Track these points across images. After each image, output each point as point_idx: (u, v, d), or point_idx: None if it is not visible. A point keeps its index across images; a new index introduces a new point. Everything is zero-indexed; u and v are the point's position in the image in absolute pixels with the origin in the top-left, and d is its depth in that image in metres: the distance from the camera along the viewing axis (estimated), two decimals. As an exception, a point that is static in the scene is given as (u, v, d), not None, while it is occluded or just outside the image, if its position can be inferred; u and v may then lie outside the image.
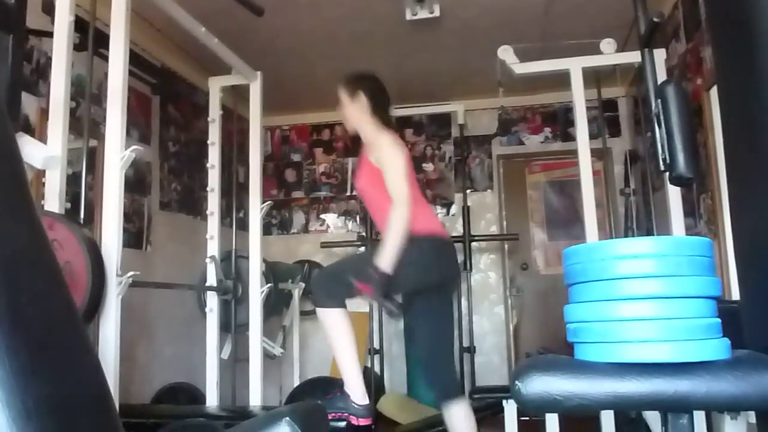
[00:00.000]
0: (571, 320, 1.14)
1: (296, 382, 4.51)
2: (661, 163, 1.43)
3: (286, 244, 5.46)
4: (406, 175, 2.48)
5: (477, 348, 4.68)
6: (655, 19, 1.51)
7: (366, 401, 2.55)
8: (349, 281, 2.41)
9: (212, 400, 3.39)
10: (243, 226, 3.87)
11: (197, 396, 3.55)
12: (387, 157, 2.51)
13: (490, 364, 4.97)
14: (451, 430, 2.60)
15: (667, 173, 1.42)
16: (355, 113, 2.67)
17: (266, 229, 5.40)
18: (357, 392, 2.53)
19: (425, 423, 4.18)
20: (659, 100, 1.45)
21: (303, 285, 4.88)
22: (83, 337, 1.22)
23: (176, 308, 4.07)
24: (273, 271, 4.40)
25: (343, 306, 2.51)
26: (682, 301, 1.02)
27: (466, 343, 4.64)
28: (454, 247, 2.73)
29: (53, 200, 2.29)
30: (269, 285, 3.51)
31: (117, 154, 2.33)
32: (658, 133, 1.43)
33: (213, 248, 3.53)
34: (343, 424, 2.57)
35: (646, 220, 4.59)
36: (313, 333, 5.16)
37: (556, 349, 3.89)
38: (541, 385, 0.97)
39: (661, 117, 1.42)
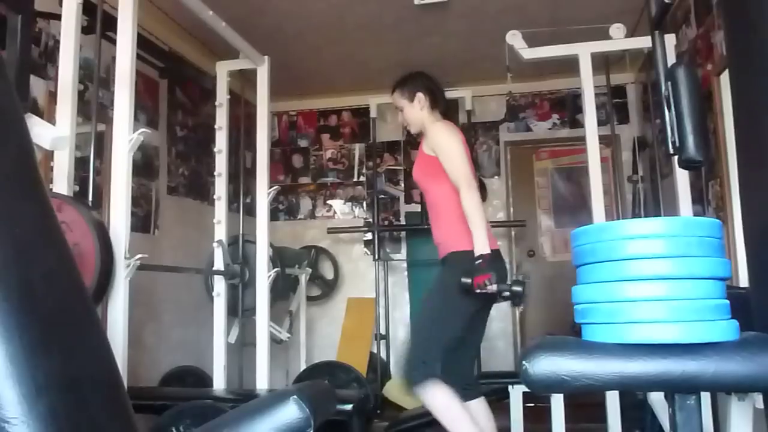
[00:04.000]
0: (579, 301, 1.14)
1: (303, 367, 4.54)
2: (670, 146, 1.42)
3: (293, 229, 5.48)
4: (465, 160, 2.45)
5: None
6: (667, 1, 1.50)
7: None
8: (463, 287, 2.28)
9: (219, 384, 3.41)
10: (250, 211, 3.88)
11: (204, 379, 3.57)
12: (442, 142, 2.48)
13: (496, 350, 4.98)
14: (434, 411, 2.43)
15: (677, 157, 1.41)
16: (417, 113, 2.65)
17: (273, 215, 5.41)
18: None
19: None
20: (669, 83, 1.44)
21: (310, 270, 4.90)
22: (93, 316, 1.23)
23: (184, 292, 4.09)
24: (280, 256, 4.41)
25: (450, 384, 2.36)
26: (690, 282, 1.01)
27: (472, 329, 4.65)
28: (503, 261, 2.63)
29: (62, 182, 2.30)
30: (276, 270, 3.52)
31: (124, 137, 2.33)
32: (668, 116, 1.42)
33: (220, 233, 3.54)
34: (348, 405, 2.60)
35: (654, 207, 4.58)
36: (320, 318, 5.19)
37: (562, 335, 3.89)
38: (548, 365, 0.97)
39: (671, 100, 1.41)
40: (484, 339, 4.66)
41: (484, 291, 2.26)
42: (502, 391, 3.44)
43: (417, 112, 2.64)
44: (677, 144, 1.36)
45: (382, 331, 4.95)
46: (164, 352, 3.91)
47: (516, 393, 3.34)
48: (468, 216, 2.36)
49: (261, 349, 3.40)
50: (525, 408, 3.36)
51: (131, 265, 2.26)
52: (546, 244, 5.16)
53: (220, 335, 3.48)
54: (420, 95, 2.63)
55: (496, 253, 2.46)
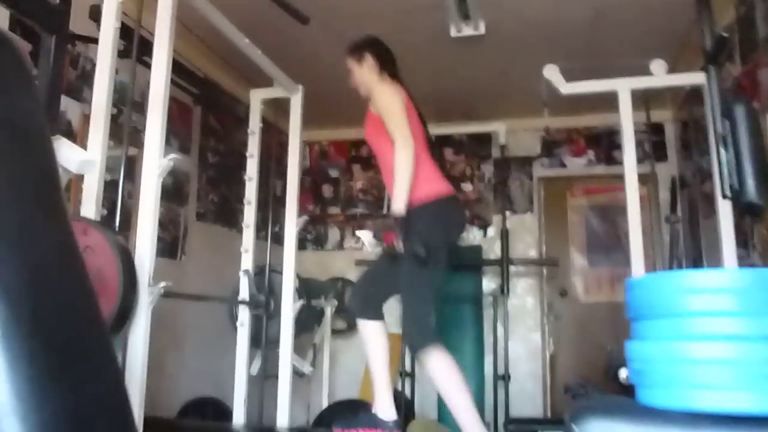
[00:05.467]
0: (635, 359, 1.04)
1: (325, 402, 4.43)
2: (725, 189, 1.32)
3: (320, 260, 5.41)
4: (403, 115, 2.49)
5: (511, 375, 4.51)
6: (724, 35, 1.42)
7: (394, 415, 2.53)
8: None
9: (239, 417, 3.32)
10: (278, 240, 3.82)
11: (224, 411, 3.48)
12: (382, 101, 2.56)
13: (524, 393, 4.81)
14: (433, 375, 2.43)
15: (733, 201, 1.31)
16: (364, 74, 2.75)
17: (301, 244, 5.34)
18: (385, 406, 2.52)
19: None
20: (726, 121, 1.35)
21: (336, 302, 4.82)
22: (107, 347, 1.17)
23: (207, 320, 4.03)
24: (306, 288, 4.34)
25: (382, 319, 2.58)
26: (766, 344, 0.90)
27: (501, 371, 4.49)
28: (460, 204, 2.78)
29: (89, 206, 2.27)
30: (301, 301, 3.45)
31: (155, 162, 2.30)
32: (724, 156, 1.33)
33: (247, 262, 3.48)
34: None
35: (692, 250, 4.42)
36: (345, 351, 5.09)
37: (596, 381, 3.74)
38: (600, 430, 0.87)
39: (729, 139, 1.31)
40: (513, 381, 4.54)
41: (392, 248, 2.35)
42: (531, 437, 3.30)
43: (365, 73, 2.76)
44: (735, 187, 1.26)
45: (408, 368, 4.81)
46: (185, 380, 3.84)
47: (546, 440, 3.19)
48: (395, 170, 2.40)
49: (283, 383, 3.31)
50: (555, 456, 3.22)
51: (155, 293, 2.21)
52: (578, 284, 5.01)
53: (242, 366, 3.40)
54: (368, 57, 2.75)
55: (440, 203, 2.51)
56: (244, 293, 3.44)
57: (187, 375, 3.88)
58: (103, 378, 1.12)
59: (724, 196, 1.31)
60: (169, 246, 3.79)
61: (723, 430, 0.87)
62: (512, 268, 4.76)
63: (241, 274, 3.47)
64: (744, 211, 1.25)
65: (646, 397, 0.99)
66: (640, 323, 1.05)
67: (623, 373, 3.52)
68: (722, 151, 1.32)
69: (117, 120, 3.02)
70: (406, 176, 2.39)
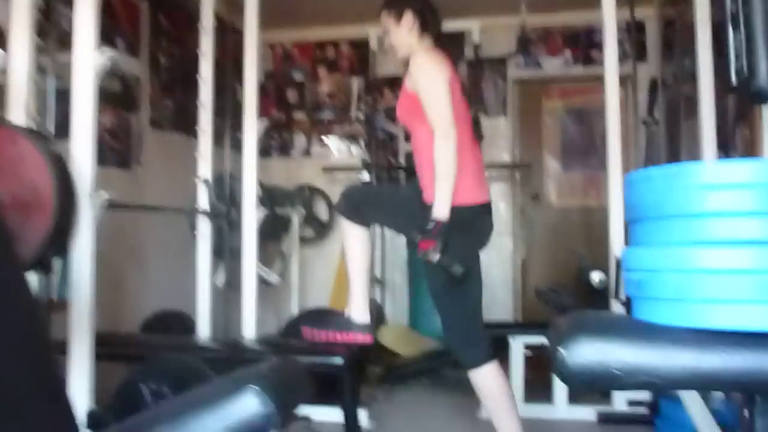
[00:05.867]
0: (634, 268, 0.89)
1: (295, 311, 4.37)
2: (733, 75, 1.15)
3: (286, 167, 5.21)
4: (447, 102, 2.16)
5: (482, 281, 4.48)
6: None
7: (367, 319, 2.43)
8: (409, 234, 2.23)
9: (203, 330, 3.23)
10: (240, 147, 3.61)
11: (188, 324, 3.38)
12: (422, 81, 2.20)
13: (495, 298, 4.79)
14: (481, 394, 2.35)
15: (740, 89, 1.15)
16: (403, 36, 2.34)
17: (265, 152, 5.13)
18: (359, 309, 2.41)
19: (426, 355, 4.06)
20: (738, -3, 1.16)
21: (303, 210, 4.67)
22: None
23: (169, 232, 3.85)
24: (271, 196, 4.17)
25: (368, 227, 2.43)
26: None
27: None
28: (491, 214, 2.48)
29: (16, 111, 2.04)
30: (264, 209, 3.29)
31: (88, 58, 2.05)
32: (733, 38, 1.15)
33: (205, 170, 3.28)
34: (339, 358, 2.41)
35: (670, 153, 4.31)
36: (314, 260, 4.99)
37: (568, 286, 3.71)
38: (594, 353, 0.74)
39: (740, 18, 1.13)
40: (484, 286, 4.51)
41: (425, 259, 2.10)
42: (501, 341, 3.27)
43: (404, 35, 2.34)
44: (745, 72, 1.09)
45: (378, 275, 4.76)
46: (148, 295, 3.71)
47: (517, 344, 3.17)
48: (435, 168, 2.13)
49: (248, 294, 3.21)
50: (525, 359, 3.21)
51: (98, 204, 2.02)
52: (552, 189, 4.92)
53: (204, 278, 3.28)
54: (408, 16, 2.31)
55: (474, 211, 2.28)
56: (203, 203, 3.26)
57: (150, 289, 3.75)
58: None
59: (730, 87, 1.15)
60: (121, 155, 3.55)
61: (740, 352, 0.74)
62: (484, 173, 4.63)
63: (198, 182, 3.28)
64: (756, 99, 1.09)
65: (647, 312, 0.86)
66: (643, 225, 0.89)
67: (595, 277, 3.48)
68: (732, 32, 1.14)
69: (48, 18, 2.70)
70: (450, 178, 2.11)
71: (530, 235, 4.91)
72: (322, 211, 5.02)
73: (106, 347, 2.62)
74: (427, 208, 2.17)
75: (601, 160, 4.79)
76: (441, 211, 2.12)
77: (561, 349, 0.77)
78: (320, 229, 4.99)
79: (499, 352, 3.24)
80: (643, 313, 0.87)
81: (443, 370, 3.97)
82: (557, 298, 3.08)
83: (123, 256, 3.55)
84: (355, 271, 2.44)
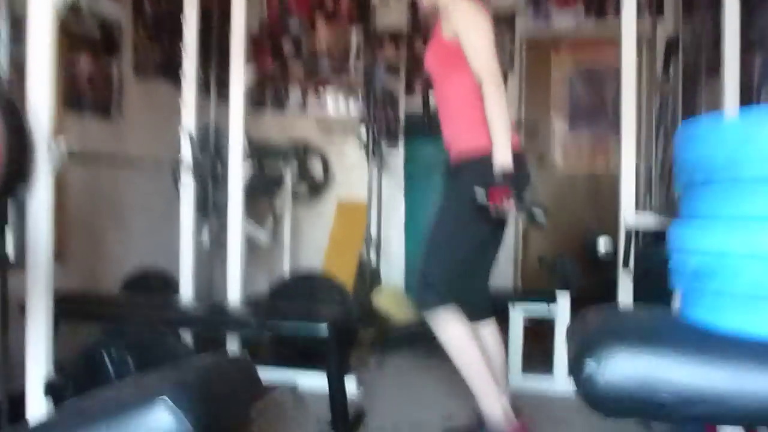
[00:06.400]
0: (690, 248, 0.65)
1: (286, 273, 4.20)
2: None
3: (280, 123, 4.97)
4: (494, 51, 2.09)
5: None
6: None
7: (513, 422, 2.17)
8: (477, 199, 1.98)
9: (186, 290, 3.06)
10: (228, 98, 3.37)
11: (171, 285, 3.21)
12: (470, 26, 2.08)
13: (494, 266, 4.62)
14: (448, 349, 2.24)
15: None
16: None
17: (259, 107, 4.92)
18: (497, 417, 2.15)
19: (421, 320, 3.90)
20: None
21: (297, 166, 4.46)
22: None
23: (152, 187, 3.62)
24: (262, 151, 3.97)
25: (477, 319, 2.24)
26: None
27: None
28: None
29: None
30: (251, 163, 3.09)
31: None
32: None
33: (188, 120, 3.07)
34: (323, 327, 2.24)
35: (684, 117, 4.08)
36: (307, 220, 4.80)
37: (572, 255, 3.51)
38: (635, 370, 0.53)
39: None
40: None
41: (500, 210, 1.98)
42: (500, 312, 3.11)
43: None
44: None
45: (374, 236, 4.58)
46: (129, 253, 3.53)
47: (517, 314, 3.00)
48: (490, 119, 2.02)
49: (233, 254, 3.02)
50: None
51: (57, 153, 1.82)
52: (558, 152, 4.70)
53: (188, 235, 3.09)
54: None
55: (519, 160, 2.11)
56: (185, 155, 3.05)
57: (132, 247, 3.57)
58: None
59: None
60: (100, 104, 3.32)
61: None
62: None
63: (180, 132, 3.07)
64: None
65: (709, 312, 0.62)
66: (706, 192, 0.66)
67: (602, 245, 3.30)
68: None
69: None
70: (507, 126, 2.02)
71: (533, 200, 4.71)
72: (317, 168, 4.81)
73: (78, 307, 2.47)
74: (471, 168, 2.04)
75: (610, 123, 4.59)
76: (506, 158, 2.00)
77: (590, 361, 0.56)
78: (314, 187, 4.79)
79: (498, 322, 3.11)
80: (701, 312, 0.64)
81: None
82: (563, 268, 2.90)
83: (103, 211, 3.36)
84: (477, 378, 2.16)
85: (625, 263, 2.70)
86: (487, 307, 2.39)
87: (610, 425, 2.59)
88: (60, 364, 1.88)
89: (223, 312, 2.55)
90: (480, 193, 1.98)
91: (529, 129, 4.63)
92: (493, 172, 2.00)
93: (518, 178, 2.06)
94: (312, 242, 4.73)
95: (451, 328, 2.14)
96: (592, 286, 3.06)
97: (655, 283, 2.89)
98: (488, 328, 2.34)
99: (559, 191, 4.66)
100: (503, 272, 4.66)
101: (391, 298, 4.28)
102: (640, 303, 2.83)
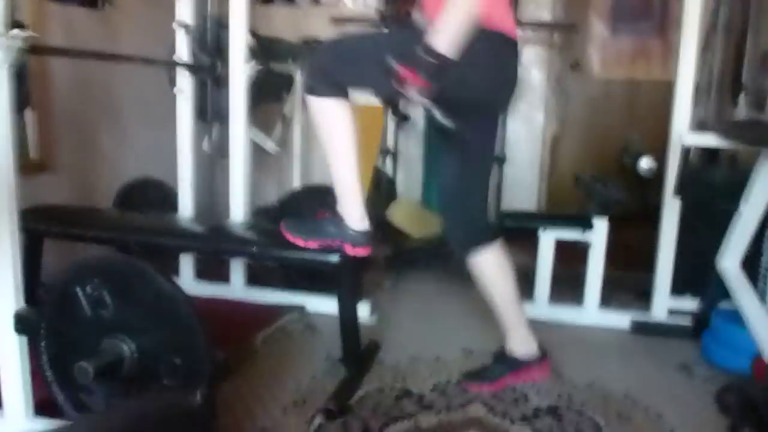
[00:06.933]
0: None
1: (296, 184, 3.92)
2: None
3: (291, 17, 4.53)
4: None
5: (507, 158, 3.95)
6: None
7: (365, 226, 1.94)
8: (384, 61, 1.62)
9: (185, 203, 2.80)
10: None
11: (170, 197, 2.95)
12: None
13: (519, 180, 4.30)
14: (481, 281, 2.01)
15: None
16: None
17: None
18: (354, 214, 1.93)
19: (439, 238, 3.63)
20: None
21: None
22: None
23: (149, 88, 3.29)
24: (269, 49, 3.58)
25: (346, 96, 1.83)
26: None
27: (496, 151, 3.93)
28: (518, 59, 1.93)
29: None
30: (255, 62, 2.73)
31: None
32: None
33: (184, 11, 2.69)
34: (335, 256, 1.97)
35: (740, 20, 3.61)
36: (319, 126, 4.45)
37: (606, 172, 3.17)
38: None
39: None
40: (508, 165, 4.01)
41: (400, 91, 1.62)
42: (527, 234, 2.84)
43: None
44: None
45: (391, 145, 4.25)
46: (125, 161, 3.25)
47: (547, 238, 2.72)
48: None
49: (236, 165, 2.74)
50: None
51: (10, 45, 1.49)
52: (595, 56, 4.25)
53: (185, 143, 2.80)
54: None
55: (511, 46, 1.82)
56: (181, 53, 2.70)
57: (128, 155, 3.28)
58: None
59: None
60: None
61: None
62: (519, 33, 3.96)
63: (176, 27, 2.70)
64: None
65: None
66: None
67: (644, 164, 2.97)
68: None
69: None
70: (463, 13, 1.58)
71: (565, 109, 4.32)
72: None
73: (65, 226, 2.22)
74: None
75: (655, 25, 4.13)
76: (443, 41, 1.58)
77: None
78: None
79: (526, 246, 2.86)
80: None
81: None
82: (603, 190, 2.58)
83: (95, 115, 3.06)
84: (342, 166, 1.92)
85: (678, 190, 2.38)
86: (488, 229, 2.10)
87: (645, 361, 2.38)
88: (32, 296, 1.65)
89: (224, 235, 2.26)
90: (390, 61, 1.61)
91: (566, 29, 4.17)
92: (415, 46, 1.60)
93: (496, 62, 1.75)
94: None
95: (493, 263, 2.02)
96: (629, 208, 2.75)
97: (704, 216, 2.61)
98: (496, 252, 2.04)
99: (594, 99, 4.27)
100: (528, 189, 4.37)
101: (409, 212, 4.01)
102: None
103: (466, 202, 2.01)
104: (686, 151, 2.39)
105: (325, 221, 1.96)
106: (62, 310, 1.50)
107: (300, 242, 1.95)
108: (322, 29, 4.41)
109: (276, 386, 2.08)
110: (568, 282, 2.91)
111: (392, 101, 1.77)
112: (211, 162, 3.11)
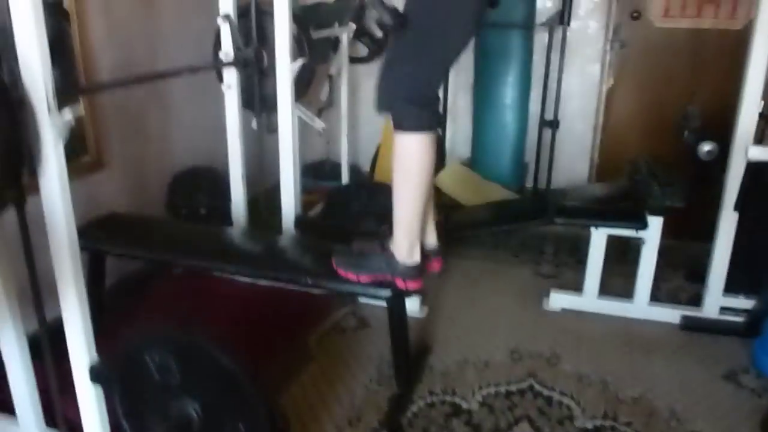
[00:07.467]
0: None
1: (344, 142, 3.86)
2: None
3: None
4: None
5: (559, 117, 3.78)
6: None
7: (417, 259, 1.93)
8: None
9: (237, 193, 2.85)
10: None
11: (220, 182, 3.00)
12: None
13: (571, 137, 4.16)
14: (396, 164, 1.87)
15: None
16: None
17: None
18: (406, 248, 1.91)
19: (491, 207, 3.58)
20: None
21: (353, 27, 3.93)
22: None
23: (196, 78, 3.20)
24: (314, 17, 3.47)
25: (432, 128, 1.79)
26: None
27: (548, 116, 3.80)
28: None
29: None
30: (301, 60, 2.68)
31: None
32: None
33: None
34: (386, 291, 2.00)
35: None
36: (366, 82, 4.36)
37: (659, 141, 3.02)
38: None
39: None
40: (561, 121, 3.82)
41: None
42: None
43: None
44: None
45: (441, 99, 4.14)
46: (177, 147, 3.26)
47: (599, 236, 2.68)
48: None
49: (284, 146, 2.72)
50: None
51: (62, 124, 1.50)
52: (657, 4, 3.96)
53: (235, 138, 2.81)
54: None
55: None
56: (226, 50, 2.65)
57: (179, 140, 3.29)
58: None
59: None
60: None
61: None
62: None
63: (219, 21, 2.63)
64: None
65: None
66: None
67: (705, 148, 2.84)
68: None
69: None
70: None
71: (623, 60, 4.09)
72: (374, 24, 4.24)
73: (123, 245, 2.29)
74: None
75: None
76: None
77: None
78: (374, 47, 4.27)
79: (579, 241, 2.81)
80: None
81: (512, 227, 3.53)
82: (660, 194, 2.49)
83: (141, 99, 3.05)
84: (408, 200, 1.84)
85: (737, 207, 2.29)
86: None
87: (693, 367, 2.40)
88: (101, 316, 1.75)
89: (279, 262, 2.23)
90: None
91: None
92: None
93: None
94: (370, 109, 4.33)
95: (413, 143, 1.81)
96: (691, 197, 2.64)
97: (763, 218, 2.50)
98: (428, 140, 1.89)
99: (654, 48, 4.01)
100: (581, 146, 4.25)
101: (457, 178, 3.97)
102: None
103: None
104: (749, 166, 2.26)
105: (375, 256, 1.98)
106: (133, 373, 1.60)
107: (352, 277, 1.98)
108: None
109: (330, 397, 2.19)
110: (621, 277, 2.90)
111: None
112: (260, 132, 3.08)
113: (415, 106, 1.76)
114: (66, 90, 1.54)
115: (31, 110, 1.45)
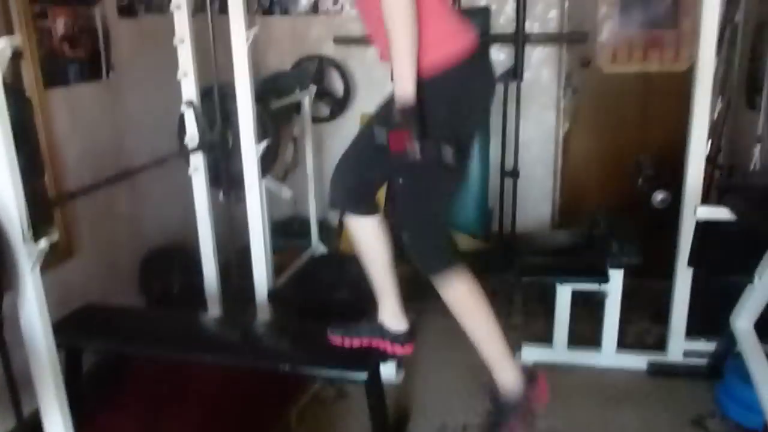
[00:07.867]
0: None
1: (312, 198, 3.93)
2: None
3: (290, 28, 4.42)
4: None
5: (519, 162, 3.89)
6: None
7: (403, 326, 2.08)
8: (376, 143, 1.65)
9: (209, 273, 2.89)
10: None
11: (191, 262, 3.04)
12: None
13: (532, 184, 4.27)
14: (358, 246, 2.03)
15: None
16: None
17: (266, 8, 4.37)
18: (391, 315, 2.08)
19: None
20: None
21: (314, 88, 4.01)
22: None
23: (163, 144, 3.26)
24: (273, 89, 3.54)
25: (374, 212, 1.97)
26: None
27: (509, 163, 3.91)
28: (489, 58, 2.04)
29: None
30: (266, 142, 2.75)
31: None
32: None
33: (188, 87, 2.68)
34: (363, 374, 2.07)
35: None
36: (330, 140, 4.45)
37: (614, 175, 3.15)
38: None
39: None
40: (521, 167, 3.93)
41: (405, 160, 1.59)
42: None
43: None
44: None
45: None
46: (148, 226, 3.29)
47: (564, 291, 2.78)
48: (386, 25, 1.54)
49: (257, 247, 2.79)
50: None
51: (37, 253, 1.54)
52: (605, 51, 4.14)
53: (204, 217, 2.85)
54: None
55: (464, 67, 1.68)
56: (191, 135, 2.71)
57: (149, 219, 3.31)
58: None
59: None
60: (88, 64, 2.91)
61: None
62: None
63: (183, 107, 2.70)
64: None
65: None
66: None
67: (659, 196, 2.98)
68: None
69: None
70: (408, 36, 1.52)
71: (576, 105, 4.25)
72: (336, 83, 4.36)
73: (99, 340, 2.31)
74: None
75: (667, 12, 3.99)
76: (403, 87, 1.57)
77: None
78: (335, 106, 4.39)
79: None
80: None
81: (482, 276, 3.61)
82: (618, 249, 2.61)
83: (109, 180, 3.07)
84: (378, 272, 2.04)
85: (691, 262, 2.41)
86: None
87: (661, 413, 2.49)
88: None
89: (256, 349, 2.29)
90: (380, 133, 1.65)
91: (578, 40, 4.08)
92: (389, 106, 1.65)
93: (456, 92, 1.67)
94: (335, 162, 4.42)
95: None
96: (648, 244, 2.75)
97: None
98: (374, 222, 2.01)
99: (602, 94, 4.19)
100: (542, 191, 4.37)
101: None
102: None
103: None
104: (699, 225, 2.39)
105: (367, 325, 2.09)
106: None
107: (341, 341, 2.09)
108: (324, 39, 4.33)
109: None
110: (587, 327, 2.99)
111: (410, 170, 1.72)
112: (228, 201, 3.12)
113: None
114: (39, 214, 1.59)
115: (6, 240, 1.50)
